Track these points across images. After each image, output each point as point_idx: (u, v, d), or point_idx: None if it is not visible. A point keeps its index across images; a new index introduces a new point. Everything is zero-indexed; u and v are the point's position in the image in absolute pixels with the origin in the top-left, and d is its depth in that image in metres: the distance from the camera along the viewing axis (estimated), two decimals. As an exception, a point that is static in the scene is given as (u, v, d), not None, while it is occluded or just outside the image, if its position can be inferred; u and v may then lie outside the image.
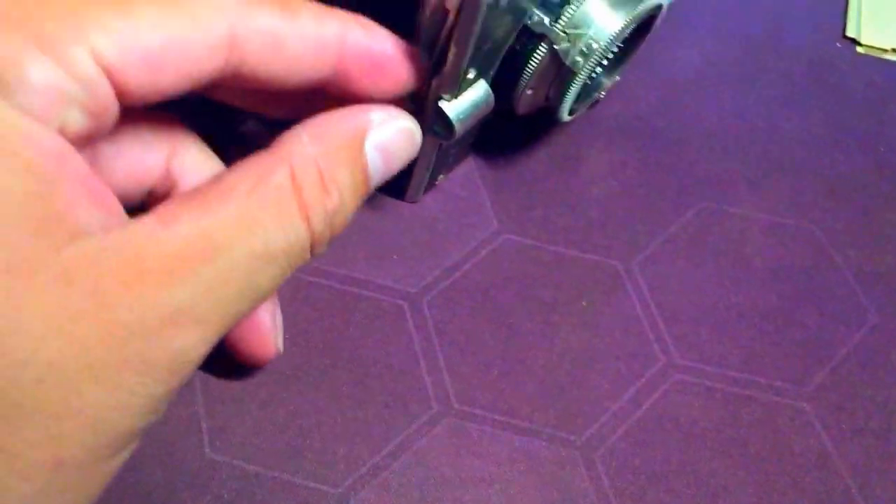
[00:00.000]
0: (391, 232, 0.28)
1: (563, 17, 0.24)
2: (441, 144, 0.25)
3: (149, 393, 0.16)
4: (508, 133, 0.30)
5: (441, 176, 0.29)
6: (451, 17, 0.20)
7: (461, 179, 0.30)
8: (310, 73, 0.19)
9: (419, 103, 0.23)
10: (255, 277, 0.17)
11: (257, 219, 0.17)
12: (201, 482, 0.23)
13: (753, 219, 0.30)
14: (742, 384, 0.27)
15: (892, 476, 0.25)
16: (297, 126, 0.19)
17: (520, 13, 0.23)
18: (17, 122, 0.15)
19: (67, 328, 0.15)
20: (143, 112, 0.18)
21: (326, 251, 0.20)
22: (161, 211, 0.17)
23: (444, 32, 0.21)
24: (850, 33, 0.36)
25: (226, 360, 0.23)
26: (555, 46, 0.24)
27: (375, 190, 0.21)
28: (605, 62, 0.27)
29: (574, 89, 0.25)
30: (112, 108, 0.17)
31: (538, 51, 0.24)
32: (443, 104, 0.22)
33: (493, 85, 0.24)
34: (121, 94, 0.17)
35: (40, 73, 0.15)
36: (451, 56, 0.21)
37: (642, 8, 0.24)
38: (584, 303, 0.27)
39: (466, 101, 0.23)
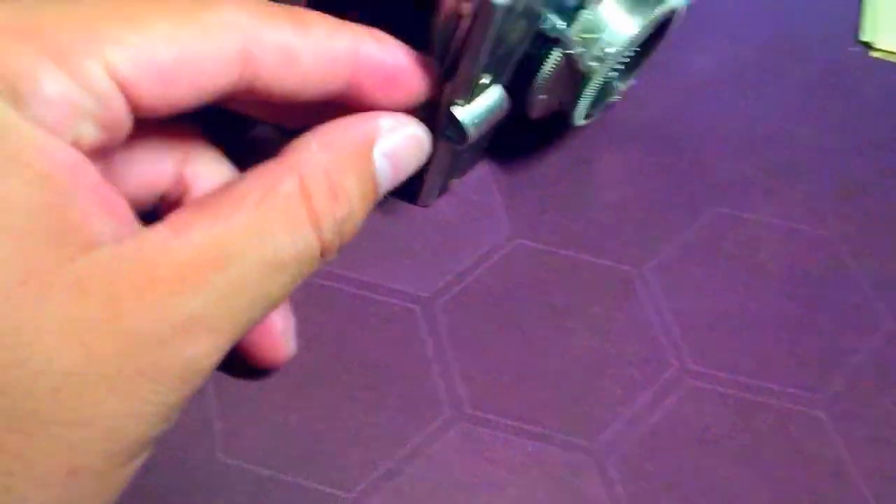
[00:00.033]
0: (404, 236, 0.28)
1: (577, 22, 0.23)
2: (454, 149, 0.25)
3: (161, 401, 0.16)
4: (522, 137, 0.30)
5: (454, 180, 0.29)
6: (466, 22, 0.20)
7: (475, 183, 0.29)
8: (323, 86, 0.19)
9: (432, 108, 0.22)
10: (266, 285, 0.17)
11: (268, 227, 0.17)
12: (214, 486, 0.23)
13: (768, 224, 0.30)
14: (756, 391, 0.26)
15: (908, 485, 0.25)
16: (307, 133, 0.19)
17: (534, 18, 0.23)
18: (31, 135, 0.15)
19: (82, 337, 0.15)
20: (156, 120, 0.18)
21: (338, 256, 0.20)
22: (173, 220, 0.17)
23: (458, 38, 0.21)
24: (865, 38, 0.36)
25: (238, 364, 0.24)
26: (569, 51, 0.24)
27: (388, 194, 0.21)
28: (619, 66, 0.27)
29: (588, 94, 0.25)
30: (125, 121, 0.17)
31: (552, 55, 0.24)
32: (455, 109, 0.22)
33: (507, 89, 0.23)
34: (134, 108, 0.17)
35: (54, 86, 0.15)
36: (464, 61, 0.21)
37: (657, 12, 0.24)
38: (597, 308, 0.27)
39: (480, 106, 0.23)
